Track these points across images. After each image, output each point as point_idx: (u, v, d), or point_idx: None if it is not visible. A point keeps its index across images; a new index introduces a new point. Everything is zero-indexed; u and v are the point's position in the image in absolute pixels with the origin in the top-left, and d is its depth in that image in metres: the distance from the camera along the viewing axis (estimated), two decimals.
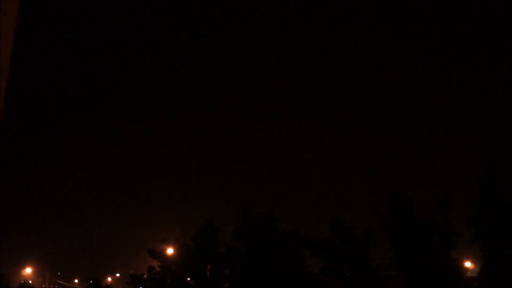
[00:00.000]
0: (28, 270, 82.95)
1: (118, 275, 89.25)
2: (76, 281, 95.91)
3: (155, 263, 41.63)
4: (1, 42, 2.75)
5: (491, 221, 25.74)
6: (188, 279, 38.79)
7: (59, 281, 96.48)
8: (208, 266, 37.44)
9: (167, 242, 40.78)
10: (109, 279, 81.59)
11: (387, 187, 29.34)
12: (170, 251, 40.95)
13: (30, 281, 78.27)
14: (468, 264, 29.85)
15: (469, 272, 30.93)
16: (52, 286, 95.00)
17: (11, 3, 2.86)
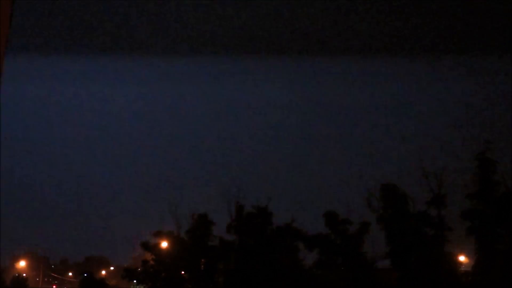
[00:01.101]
0: (22, 263, 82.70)
1: (112, 268, 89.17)
2: (70, 274, 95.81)
3: (149, 257, 41.46)
4: None
5: (486, 215, 25.74)
6: (182, 272, 38.71)
7: (53, 274, 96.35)
8: (202, 260, 37.36)
9: (161, 235, 40.64)
10: (103, 272, 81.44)
11: (381, 180, 29.33)
12: (164, 244, 40.79)
13: (24, 274, 78.00)
14: (462, 258, 29.94)
15: (463, 266, 31.03)
16: (46, 279, 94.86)
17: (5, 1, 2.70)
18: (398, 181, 29.40)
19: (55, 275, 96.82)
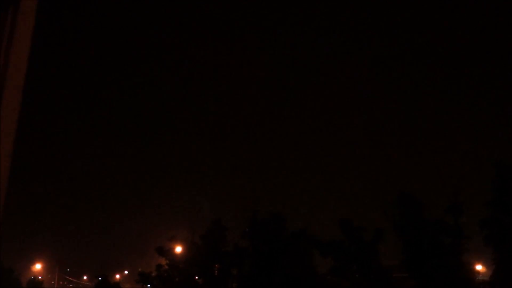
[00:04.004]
0: (38, 266, 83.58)
1: (126, 272, 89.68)
2: (84, 277, 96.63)
3: (163, 261, 41.62)
4: (18, 43, 2.66)
5: (505, 223, 25.25)
6: (196, 277, 38.73)
7: (68, 278, 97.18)
8: (216, 265, 37.35)
9: (175, 240, 40.77)
10: (118, 276, 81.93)
11: (397, 187, 29.01)
12: (178, 249, 40.91)
13: (40, 277, 78.85)
14: (479, 267, 29.39)
15: (480, 276, 30.45)
16: (61, 283, 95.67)
17: (30, 2, 2.73)
18: (415, 188, 29.09)
19: (70, 278, 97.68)
